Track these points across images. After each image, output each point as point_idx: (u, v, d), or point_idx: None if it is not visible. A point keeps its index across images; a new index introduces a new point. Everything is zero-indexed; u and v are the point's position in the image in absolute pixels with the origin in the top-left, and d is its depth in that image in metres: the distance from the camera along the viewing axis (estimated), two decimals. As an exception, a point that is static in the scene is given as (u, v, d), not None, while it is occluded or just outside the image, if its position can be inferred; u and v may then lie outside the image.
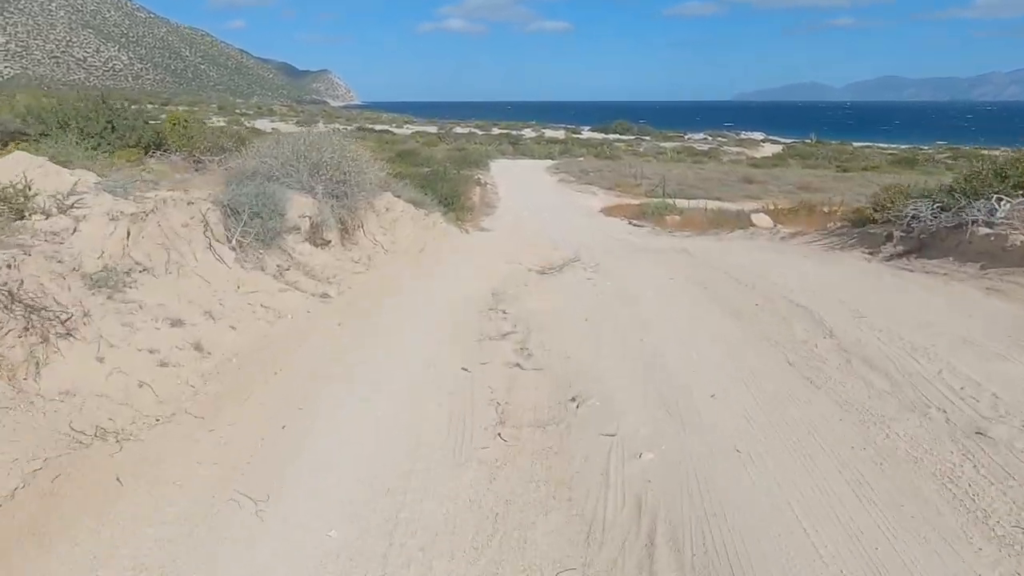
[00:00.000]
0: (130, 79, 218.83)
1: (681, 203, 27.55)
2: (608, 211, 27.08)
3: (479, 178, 36.30)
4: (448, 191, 22.37)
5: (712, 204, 29.92)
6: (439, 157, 44.22)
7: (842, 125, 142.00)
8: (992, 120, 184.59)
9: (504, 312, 8.08)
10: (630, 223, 23.03)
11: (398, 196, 11.97)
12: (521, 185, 36.61)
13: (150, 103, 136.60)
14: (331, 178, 9.39)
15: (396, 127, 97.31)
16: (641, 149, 72.75)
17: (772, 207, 18.06)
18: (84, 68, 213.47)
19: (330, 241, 8.84)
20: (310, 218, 8.54)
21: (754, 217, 14.02)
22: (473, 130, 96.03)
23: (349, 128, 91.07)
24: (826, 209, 15.75)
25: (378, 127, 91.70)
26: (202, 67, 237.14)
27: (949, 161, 65.81)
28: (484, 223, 22.49)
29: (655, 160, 53.72)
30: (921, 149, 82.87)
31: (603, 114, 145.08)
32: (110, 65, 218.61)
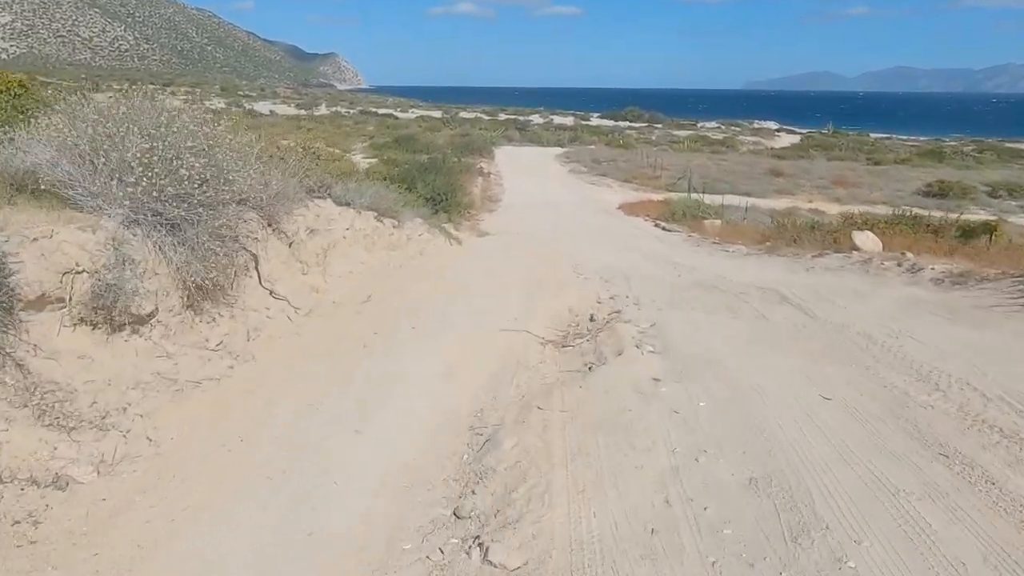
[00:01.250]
0: (136, 59, 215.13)
1: (710, 200, 23.73)
2: (629, 209, 23.26)
3: (482, 167, 32.49)
4: (443, 185, 18.58)
5: (741, 200, 26.10)
6: (440, 143, 40.37)
7: (856, 116, 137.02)
8: (1007, 112, 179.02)
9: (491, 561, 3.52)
10: (657, 225, 19.22)
11: (347, 204, 8.15)
12: (529, 175, 32.77)
13: (151, 83, 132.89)
14: (155, 187, 4.76)
15: (401, 111, 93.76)
16: (653, 137, 68.67)
17: (860, 219, 14.18)
18: (90, 48, 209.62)
19: (151, 316, 4.66)
20: (90, 274, 4.24)
21: (857, 237, 10.14)
22: (479, 115, 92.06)
23: (352, 111, 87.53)
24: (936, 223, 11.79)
25: (382, 111, 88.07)
26: (208, 48, 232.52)
27: (976, 154, 61.97)
28: (484, 224, 18.70)
29: (670, 149, 49.71)
30: (943, 141, 78.83)
31: (612, 101, 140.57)
32: (116, 45, 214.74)
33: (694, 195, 24.86)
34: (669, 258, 12.41)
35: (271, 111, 73.60)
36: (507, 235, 16.40)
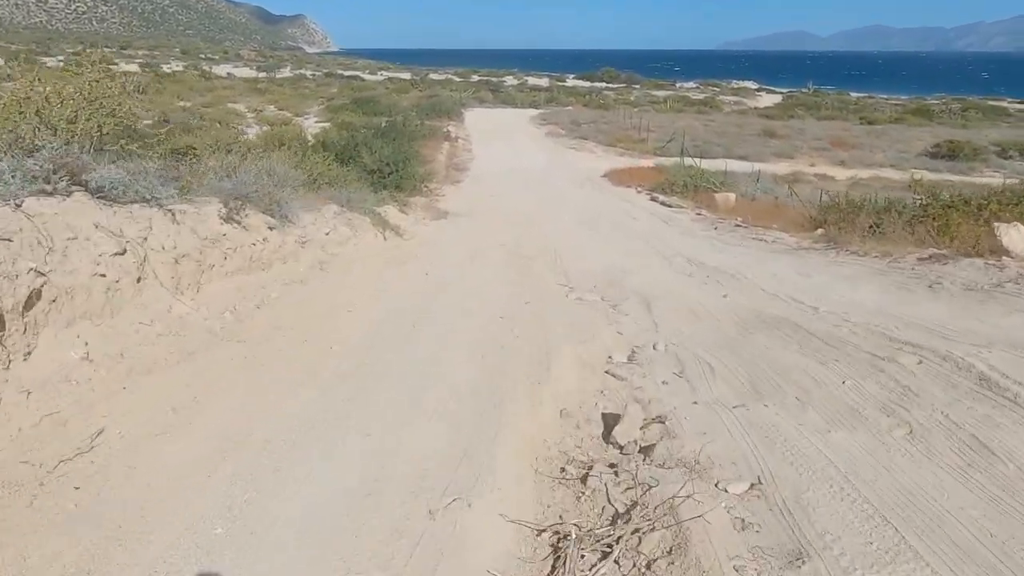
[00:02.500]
0: (94, 22, 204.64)
1: (707, 166, 20.32)
2: (617, 178, 19.76)
3: (449, 131, 28.66)
4: (392, 154, 14.90)
5: (741, 166, 22.74)
6: (405, 105, 36.29)
7: (832, 75, 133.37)
8: (978, 71, 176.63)
9: None
10: (654, 199, 15.79)
11: (146, 200, 4.37)
12: (501, 140, 29.02)
13: (106, 47, 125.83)
14: None
15: (369, 73, 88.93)
16: (632, 98, 64.77)
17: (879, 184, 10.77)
18: (45, 11, 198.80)
19: None
20: None
21: (1004, 233, 6.67)
22: (451, 77, 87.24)
23: (317, 74, 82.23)
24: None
25: (348, 73, 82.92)
26: (171, 10, 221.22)
27: (962, 113, 59.18)
28: (445, 201, 15.14)
29: (653, 110, 45.99)
30: (925, 100, 75.96)
31: (586, 63, 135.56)
32: (72, 7, 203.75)
33: (688, 160, 21.44)
34: (692, 256, 9.05)
35: (228, 74, 68.32)
36: (471, 217, 12.90)
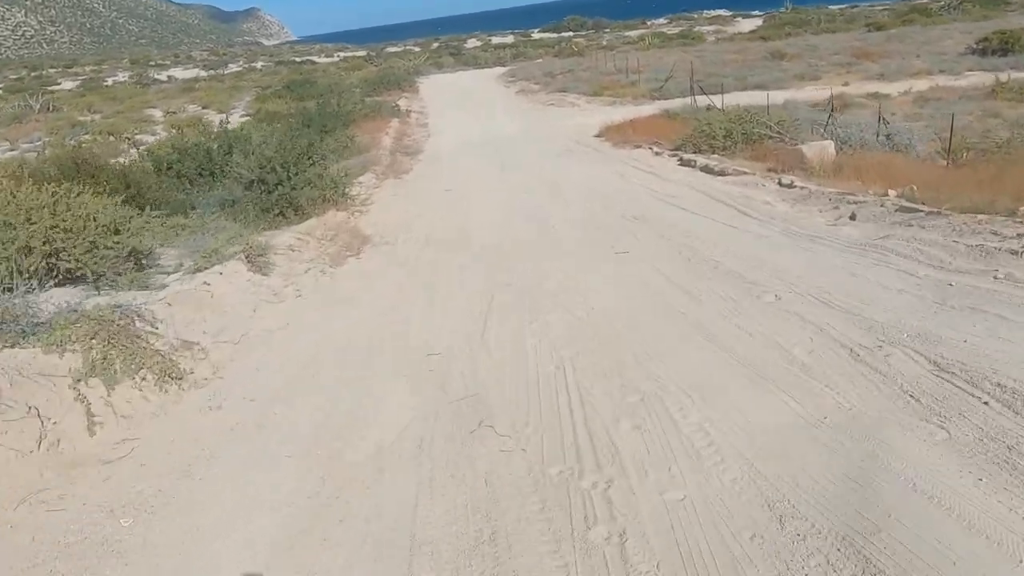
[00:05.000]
0: (44, 45, 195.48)
1: (722, 101, 14.78)
2: (617, 135, 14.26)
3: (399, 105, 22.87)
4: (279, 155, 9.34)
5: (755, 97, 17.07)
6: (350, 83, 30.36)
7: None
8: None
9: None
10: (687, 164, 10.28)
11: None
12: (464, 107, 23.26)
13: (52, 67, 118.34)
14: None
15: (325, 57, 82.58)
16: (604, 43, 58.45)
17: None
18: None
19: None
20: None
21: None
22: (410, 48, 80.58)
23: (269, 64, 75.65)
24: None
25: (300, 59, 76.25)
26: (119, 22, 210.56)
27: (962, 6, 53.15)
28: (371, 214, 9.68)
29: (632, 51, 39.93)
30: (911, 1, 69.45)
31: (548, 15, 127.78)
32: (20, 32, 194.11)
33: (702, 101, 15.87)
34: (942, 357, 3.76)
35: (170, 77, 62.02)
36: (402, 252, 7.58)
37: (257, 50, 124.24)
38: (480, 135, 17.38)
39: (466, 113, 21.58)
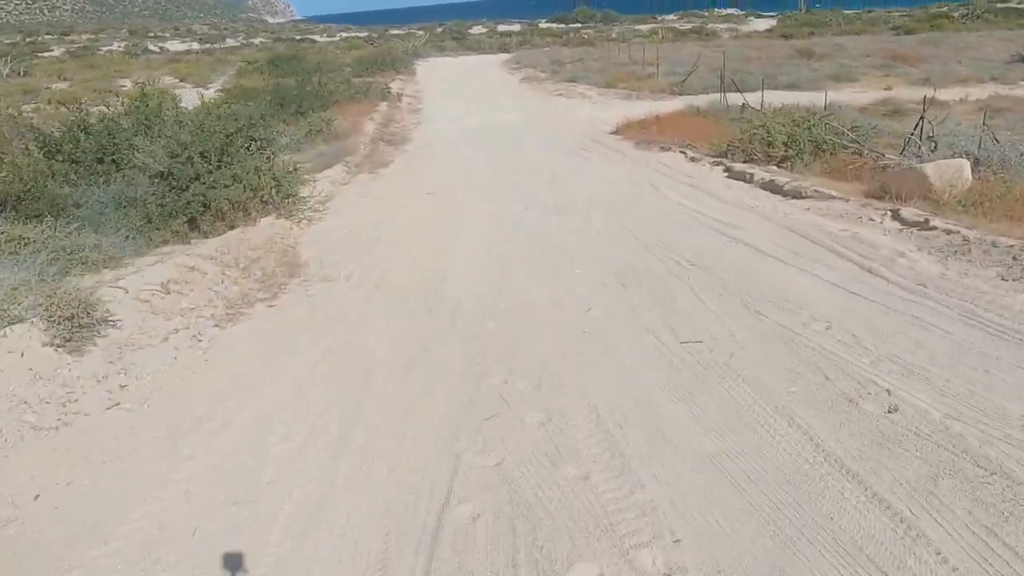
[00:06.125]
0: (45, 11, 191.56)
1: (752, 99, 12.49)
2: (637, 133, 11.92)
3: (390, 87, 20.34)
4: (201, 139, 6.88)
5: (787, 97, 14.65)
6: (344, 62, 27.77)
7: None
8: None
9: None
10: (739, 178, 7.89)
11: None
12: (462, 93, 20.75)
13: (48, 34, 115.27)
14: None
15: (328, 37, 79.69)
16: (614, 35, 55.84)
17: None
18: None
19: None
20: None
21: None
22: (414, 31, 77.62)
23: (267, 41, 72.70)
24: None
25: (300, 37, 73.42)
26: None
27: (983, 16, 50.89)
28: (341, 222, 7.23)
29: (647, 42, 37.36)
30: (928, 8, 67.04)
31: (554, 7, 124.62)
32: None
33: (729, 97, 13.51)
34: None
35: (161, 48, 59.27)
36: (342, 318, 5.01)
37: (259, 27, 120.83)
38: (478, 125, 14.94)
39: (464, 100, 19.08)
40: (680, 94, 18.27)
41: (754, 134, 8.20)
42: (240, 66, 27.74)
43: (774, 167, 7.88)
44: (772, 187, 7.05)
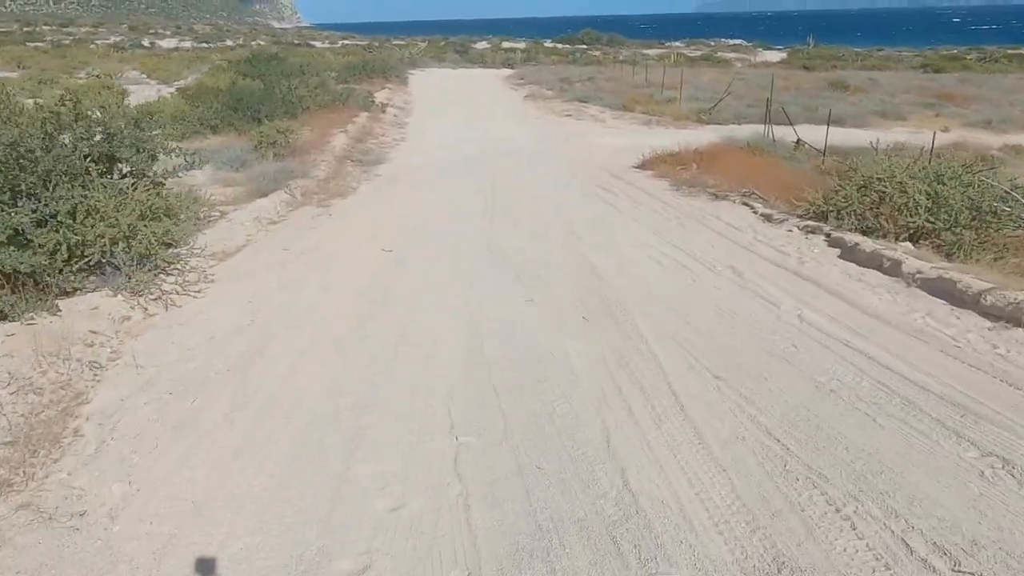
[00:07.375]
0: (51, 3, 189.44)
1: (804, 133, 9.76)
2: (670, 172, 9.19)
3: (375, 98, 17.48)
4: None
5: (836, 135, 11.92)
6: (333, 66, 24.95)
7: (824, 32, 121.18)
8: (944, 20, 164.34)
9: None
10: (845, 251, 5.04)
11: None
12: (457, 107, 17.93)
13: (46, 24, 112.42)
14: None
15: (328, 43, 77.14)
16: (621, 57, 53.54)
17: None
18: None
19: None
20: None
21: None
22: (417, 43, 75.34)
23: (263, 43, 70.20)
24: None
25: (299, 42, 71.02)
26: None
27: (996, 61, 49.19)
28: (217, 316, 4.18)
29: (658, 66, 34.85)
30: (939, 51, 65.33)
31: (559, 28, 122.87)
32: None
33: (774, 133, 10.80)
34: None
35: (152, 44, 56.60)
36: None
37: (262, 30, 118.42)
38: (472, 149, 12.11)
39: (458, 116, 16.27)
40: (708, 123, 15.55)
41: (881, 190, 5.36)
42: (217, 64, 24.87)
43: (908, 244, 5.06)
44: (946, 291, 4.15)
